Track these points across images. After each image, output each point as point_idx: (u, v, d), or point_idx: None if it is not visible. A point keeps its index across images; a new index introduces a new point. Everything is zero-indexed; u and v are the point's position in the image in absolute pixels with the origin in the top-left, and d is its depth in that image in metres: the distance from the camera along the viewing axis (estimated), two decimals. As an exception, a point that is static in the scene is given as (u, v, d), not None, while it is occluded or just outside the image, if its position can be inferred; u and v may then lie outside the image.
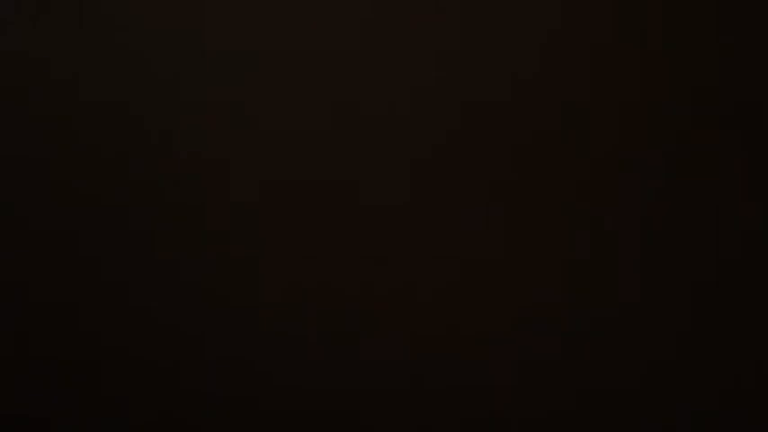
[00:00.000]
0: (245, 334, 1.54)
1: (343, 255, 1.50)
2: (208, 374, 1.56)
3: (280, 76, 1.51)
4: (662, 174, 1.40)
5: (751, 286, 1.38)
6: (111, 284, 1.58)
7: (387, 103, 1.48)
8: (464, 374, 1.47)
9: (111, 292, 1.58)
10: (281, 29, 1.51)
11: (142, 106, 1.56)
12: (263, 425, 1.54)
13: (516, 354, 1.45)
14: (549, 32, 1.42)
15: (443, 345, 1.47)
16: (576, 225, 1.43)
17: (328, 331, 1.51)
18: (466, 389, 1.47)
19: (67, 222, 1.59)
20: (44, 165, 1.60)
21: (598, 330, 1.42)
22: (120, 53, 1.56)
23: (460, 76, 1.45)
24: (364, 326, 1.50)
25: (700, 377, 1.40)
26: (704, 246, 1.39)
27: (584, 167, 1.42)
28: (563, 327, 1.43)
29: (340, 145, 1.50)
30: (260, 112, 1.52)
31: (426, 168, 1.47)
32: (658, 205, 1.40)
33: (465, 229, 1.46)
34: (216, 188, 1.54)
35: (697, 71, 1.39)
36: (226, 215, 1.54)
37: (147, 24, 1.55)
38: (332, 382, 1.51)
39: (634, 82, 1.40)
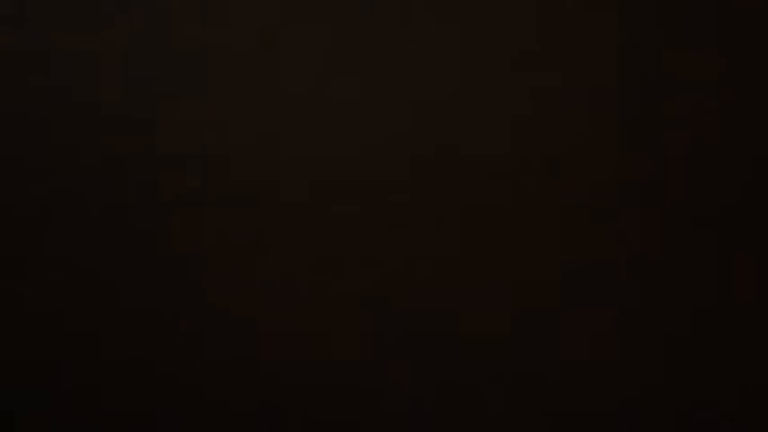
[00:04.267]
0: (244, 333, 1.54)
1: (343, 255, 1.50)
2: (207, 374, 1.56)
3: (279, 76, 1.51)
4: (662, 176, 1.40)
5: (751, 290, 1.38)
6: (110, 284, 1.58)
7: (387, 103, 1.48)
8: (463, 374, 1.47)
9: (111, 291, 1.59)
10: (280, 29, 1.51)
11: (143, 105, 1.56)
12: (263, 425, 1.54)
13: (516, 354, 1.45)
14: (549, 38, 1.42)
15: (443, 344, 1.47)
16: (576, 227, 1.43)
17: (327, 331, 1.51)
18: (465, 388, 1.47)
19: (67, 222, 1.60)
20: (44, 164, 1.60)
21: (598, 330, 1.42)
22: (120, 52, 1.56)
23: (460, 80, 1.45)
24: (363, 326, 1.50)
25: (699, 378, 1.40)
26: (705, 248, 1.39)
27: (585, 167, 1.42)
28: (563, 326, 1.43)
29: (340, 144, 1.50)
30: (259, 112, 1.52)
31: (427, 168, 1.47)
32: (658, 207, 1.40)
33: (466, 228, 1.46)
34: (217, 187, 1.54)
35: (698, 72, 1.39)
36: (226, 215, 1.54)
37: (148, 24, 1.55)
38: (330, 381, 1.51)
39: (635, 85, 1.40)
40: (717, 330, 1.39)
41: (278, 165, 1.52)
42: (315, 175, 1.51)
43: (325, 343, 1.51)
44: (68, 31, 1.58)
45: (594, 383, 1.43)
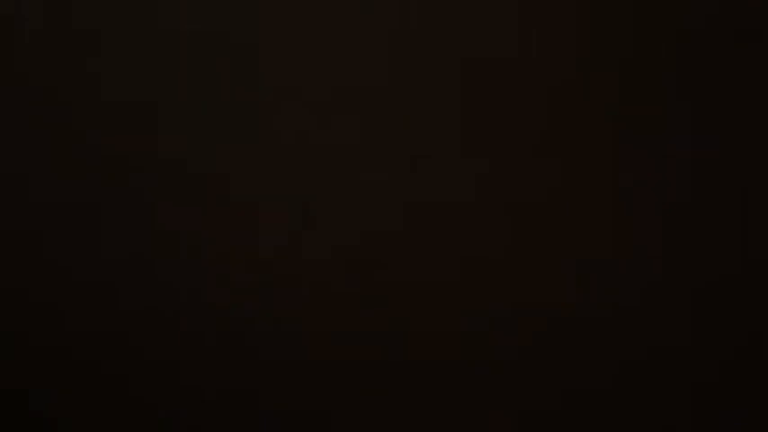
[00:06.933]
0: (244, 333, 1.54)
1: (343, 255, 1.50)
2: (207, 374, 1.56)
3: (278, 65, 1.51)
4: (663, 174, 1.40)
5: (751, 288, 1.38)
6: (109, 283, 1.59)
7: (386, 97, 1.48)
8: (462, 374, 1.47)
9: (110, 290, 1.59)
10: (277, 18, 1.51)
11: (143, 105, 1.56)
12: (263, 424, 1.54)
13: (517, 354, 1.45)
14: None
15: (443, 344, 1.47)
16: (576, 224, 1.43)
17: (326, 331, 1.51)
18: (464, 388, 1.47)
19: (68, 221, 1.60)
20: (44, 164, 1.60)
21: (598, 330, 1.42)
22: (120, 51, 1.57)
23: (461, 71, 1.46)
24: (363, 326, 1.50)
25: (698, 378, 1.40)
26: (705, 248, 1.39)
27: (587, 166, 1.42)
28: (564, 326, 1.43)
29: (339, 141, 1.50)
30: (257, 102, 1.52)
31: (428, 164, 1.47)
32: (657, 207, 1.40)
33: (467, 227, 1.46)
34: (219, 186, 1.54)
35: (700, 68, 1.39)
36: (225, 215, 1.54)
37: (153, 25, 1.55)
38: (330, 381, 1.51)
39: (636, 79, 1.40)
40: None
41: (278, 164, 1.52)
42: (314, 173, 1.51)
43: (326, 343, 1.52)
44: (68, 31, 1.58)
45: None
